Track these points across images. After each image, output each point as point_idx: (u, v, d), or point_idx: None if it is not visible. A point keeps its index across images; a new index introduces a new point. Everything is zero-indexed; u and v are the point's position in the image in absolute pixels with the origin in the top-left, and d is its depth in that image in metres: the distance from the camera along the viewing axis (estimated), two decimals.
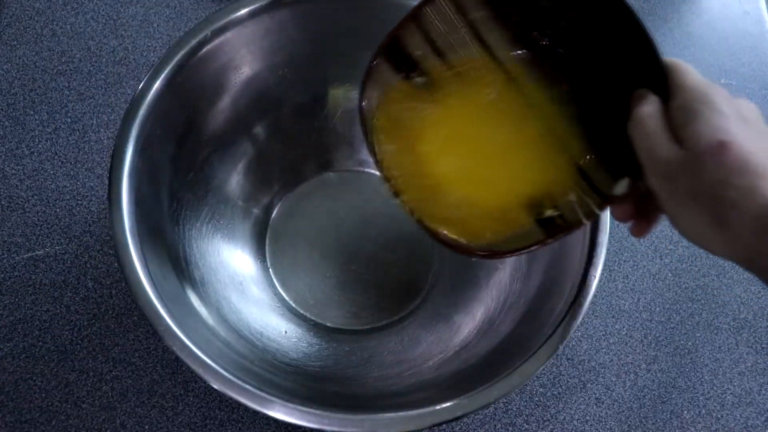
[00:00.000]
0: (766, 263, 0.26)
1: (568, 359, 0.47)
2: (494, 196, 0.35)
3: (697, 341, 0.49)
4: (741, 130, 0.26)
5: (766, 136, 0.27)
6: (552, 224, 0.33)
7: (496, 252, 0.34)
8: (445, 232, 0.35)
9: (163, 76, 0.38)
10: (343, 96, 0.50)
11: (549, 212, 0.33)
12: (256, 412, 0.32)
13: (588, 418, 0.46)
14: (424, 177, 0.36)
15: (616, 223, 0.52)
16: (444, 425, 0.34)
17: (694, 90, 0.27)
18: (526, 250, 0.33)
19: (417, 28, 0.34)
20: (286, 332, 0.45)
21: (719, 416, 0.47)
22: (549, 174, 0.33)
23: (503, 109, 0.34)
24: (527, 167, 0.34)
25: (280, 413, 0.31)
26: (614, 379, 0.47)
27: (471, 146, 0.35)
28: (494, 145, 0.35)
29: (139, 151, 0.36)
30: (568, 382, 0.47)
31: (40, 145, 0.49)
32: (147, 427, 0.42)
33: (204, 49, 0.39)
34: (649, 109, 0.28)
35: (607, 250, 0.37)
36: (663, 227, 0.53)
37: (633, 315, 0.49)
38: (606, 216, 0.37)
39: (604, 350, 0.48)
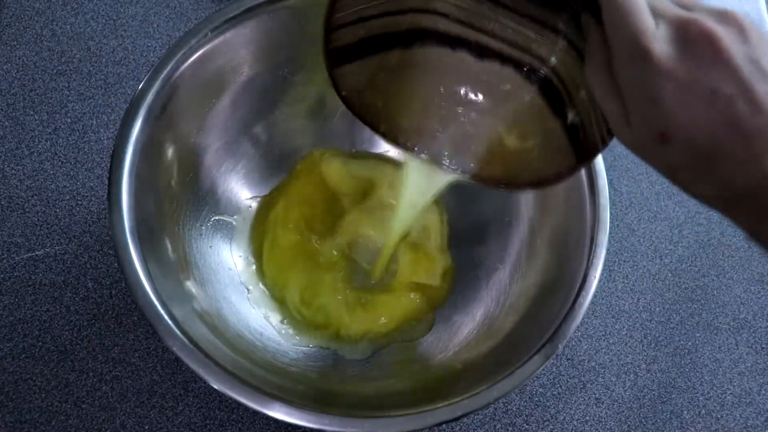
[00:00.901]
0: (742, 225, 0.25)
1: (568, 359, 0.47)
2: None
3: (697, 341, 0.49)
4: (684, 106, 0.22)
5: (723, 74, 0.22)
6: (578, 141, 0.33)
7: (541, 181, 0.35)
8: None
9: (163, 76, 0.38)
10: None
11: (571, 116, 0.33)
12: (256, 412, 0.32)
13: (588, 418, 0.46)
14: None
15: (616, 223, 0.52)
16: (444, 425, 0.34)
17: (621, 42, 0.23)
18: (565, 177, 0.33)
19: (344, 24, 0.33)
20: (285, 332, 0.45)
21: (719, 416, 0.47)
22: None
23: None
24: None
25: (280, 413, 0.31)
26: (614, 379, 0.47)
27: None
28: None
29: (138, 152, 0.36)
30: (568, 382, 0.47)
31: (40, 146, 0.49)
32: (147, 427, 0.42)
33: (204, 49, 0.39)
34: (593, 66, 0.26)
35: (607, 250, 0.37)
36: (662, 227, 0.53)
37: (633, 315, 0.49)
38: (606, 216, 0.37)
39: (604, 350, 0.48)
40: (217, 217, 0.46)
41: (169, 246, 0.39)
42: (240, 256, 0.47)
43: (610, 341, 0.48)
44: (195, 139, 0.43)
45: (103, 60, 0.53)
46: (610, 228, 0.37)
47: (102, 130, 0.50)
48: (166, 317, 0.33)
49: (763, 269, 0.52)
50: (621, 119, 0.25)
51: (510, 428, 0.45)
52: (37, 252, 0.46)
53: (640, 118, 0.24)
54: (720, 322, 0.50)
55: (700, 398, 0.47)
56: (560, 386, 0.46)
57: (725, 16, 0.23)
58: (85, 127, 0.50)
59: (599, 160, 0.39)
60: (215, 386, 0.31)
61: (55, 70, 0.52)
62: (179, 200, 0.42)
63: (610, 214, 0.38)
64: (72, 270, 0.46)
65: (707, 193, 0.24)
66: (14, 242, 0.46)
